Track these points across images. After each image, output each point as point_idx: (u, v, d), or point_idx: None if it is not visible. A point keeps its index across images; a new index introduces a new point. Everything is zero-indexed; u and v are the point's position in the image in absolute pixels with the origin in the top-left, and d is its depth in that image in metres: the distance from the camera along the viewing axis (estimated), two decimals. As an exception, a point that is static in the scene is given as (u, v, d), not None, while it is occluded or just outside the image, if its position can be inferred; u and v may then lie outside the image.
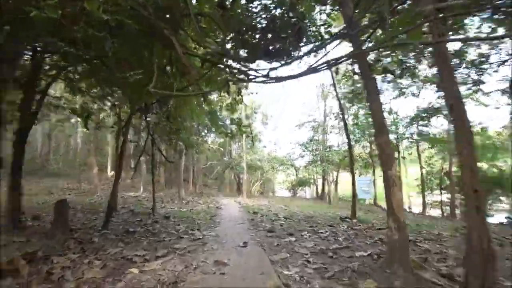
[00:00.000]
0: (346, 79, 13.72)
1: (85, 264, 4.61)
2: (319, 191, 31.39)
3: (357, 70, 7.15)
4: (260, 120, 41.56)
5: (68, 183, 26.21)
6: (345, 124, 10.48)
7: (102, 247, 5.67)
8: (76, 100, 13.35)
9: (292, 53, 5.44)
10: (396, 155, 21.10)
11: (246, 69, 4.64)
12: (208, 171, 35.89)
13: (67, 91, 11.43)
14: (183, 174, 33.63)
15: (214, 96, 11.37)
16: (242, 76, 5.11)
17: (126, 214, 10.79)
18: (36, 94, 7.74)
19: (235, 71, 4.80)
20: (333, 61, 4.12)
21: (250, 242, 6.02)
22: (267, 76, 4.40)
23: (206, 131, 26.86)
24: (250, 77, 4.75)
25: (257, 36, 5.62)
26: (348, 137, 10.60)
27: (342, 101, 27.33)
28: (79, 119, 10.13)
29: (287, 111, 68.62)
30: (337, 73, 4.83)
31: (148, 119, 10.54)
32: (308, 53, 4.95)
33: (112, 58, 4.29)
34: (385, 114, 20.67)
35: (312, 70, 4.36)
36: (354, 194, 10.69)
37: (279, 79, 4.49)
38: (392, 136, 20.56)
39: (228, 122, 9.39)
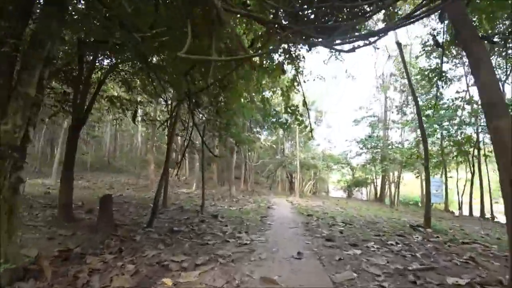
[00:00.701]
0: (427, 54, 11.64)
1: (117, 268, 4.08)
2: (378, 192, 28.84)
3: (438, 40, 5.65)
4: (314, 117, 39.94)
5: (129, 179, 27.76)
6: (419, 114, 8.74)
7: (141, 248, 5.18)
8: (134, 97, 13.67)
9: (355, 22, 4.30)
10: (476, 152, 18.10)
11: (306, 30, 3.63)
12: (259, 169, 35.44)
13: (124, 90, 11.66)
14: (235, 172, 33.76)
15: (269, 92, 10.63)
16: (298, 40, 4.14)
17: (175, 211, 10.53)
18: (88, 89, 7.71)
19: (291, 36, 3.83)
20: (419, 13, 2.93)
21: (305, 253, 5.00)
22: (331, 40, 3.36)
23: (258, 128, 26.40)
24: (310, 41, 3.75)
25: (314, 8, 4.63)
26: (422, 129, 8.83)
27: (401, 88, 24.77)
28: (121, 111, 10.06)
29: (342, 107, 65.48)
30: (443, 19, 3.47)
31: (195, 110, 10.14)
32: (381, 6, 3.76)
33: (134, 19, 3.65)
34: (461, 104, 18.00)
35: (390, 28, 3.24)
36: (429, 198, 8.99)
37: (344, 40, 3.42)
38: (470, 130, 17.69)
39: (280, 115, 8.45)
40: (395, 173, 25.52)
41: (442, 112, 18.99)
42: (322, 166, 31.52)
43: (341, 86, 53.84)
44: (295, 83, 6.09)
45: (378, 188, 29.18)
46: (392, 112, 26.46)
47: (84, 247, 5.07)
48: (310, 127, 6.39)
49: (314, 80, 14.05)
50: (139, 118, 12.89)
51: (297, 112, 6.06)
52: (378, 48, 15.37)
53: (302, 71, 6.74)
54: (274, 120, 6.79)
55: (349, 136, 39.99)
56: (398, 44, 9.29)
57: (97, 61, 8.12)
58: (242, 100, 10.22)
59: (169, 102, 12.29)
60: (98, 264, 4.22)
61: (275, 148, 32.45)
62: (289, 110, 6.09)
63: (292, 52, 5.15)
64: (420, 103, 20.52)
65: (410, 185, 29.87)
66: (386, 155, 22.24)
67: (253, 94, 10.75)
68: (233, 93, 8.92)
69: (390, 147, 23.67)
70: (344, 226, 8.23)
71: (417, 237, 6.96)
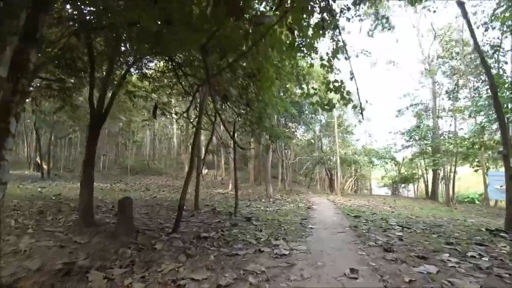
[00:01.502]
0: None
1: (123, 289, 3.27)
2: (428, 189, 26.01)
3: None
4: (351, 109, 37.64)
5: (167, 181, 28.04)
6: (493, 87, 6.98)
7: (158, 259, 4.35)
8: (162, 97, 13.18)
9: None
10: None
11: None
12: (297, 167, 34.10)
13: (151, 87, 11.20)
14: (272, 171, 32.69)
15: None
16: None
17: (207, 213, 9.77)
18: (107, 86, 7.09)
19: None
20: None
21: (360, 269, 3.81)
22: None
23: (294, 123, 25.15)
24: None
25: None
26: (499, 109, 6.99)
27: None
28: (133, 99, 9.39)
29: (384, 97, 61.26)
30: None
31: (225, 104, 9.35)
32: None
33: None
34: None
35: None
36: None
37: None
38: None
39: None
40: (447, 167, 22.82)
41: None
42: (364, 161, 29.45)
43: (382, 73, 49.67)
44: (338, 51, 4.90)
45: (429, 184, 26.39)
46: (442, 99, 23.70)
47: (94, 258, 4.37)
48: (360, 106, 5.15)
49: (357, 56, 12.68)
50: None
51: (342, 89, 4.86)
52: (434, 11, 13.34)
53: (345, 45, 5.53)
54: (314, 101, 5.56)
55: (392, 128, 36.85)
56: (460, 4, 7.56)
57: (119, 56, 7.58)
58: (274, 89, 9.24)
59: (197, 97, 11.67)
60: (101, 282, 3.45)
61: (313, 144, 30.93)
62: (331, 86, 4.92)
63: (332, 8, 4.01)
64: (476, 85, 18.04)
65: (464, 180, 26.71)
66: (439, 146, 19.80)
67: (287, 83, 9.69)
68: (264, 81, 7.96)
69: (442, 137, 21.11)
70: (402, 231, 6.82)
71: (504, 246, 5.42)
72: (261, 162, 24.60)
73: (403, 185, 33.00)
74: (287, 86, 9.43)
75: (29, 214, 7.42)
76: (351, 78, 4.54)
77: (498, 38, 15.14)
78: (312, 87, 5.75)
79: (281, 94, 9.51)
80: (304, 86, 6.80)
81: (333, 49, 4.84)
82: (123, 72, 7.94)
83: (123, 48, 6.47)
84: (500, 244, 5.59)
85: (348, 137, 33.82)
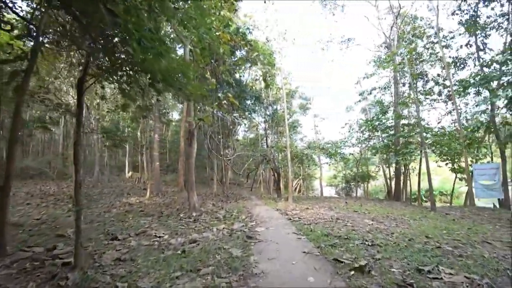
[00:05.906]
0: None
1: None
2: (390, 188, 22.62)
3: None
4: (298, 106, 33.94)
5: (65, 187, 20.72)
6: None
7: None
8: None
9: None
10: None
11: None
12: (236, 167, 28.91)
13: None
14: (208, 172, 26.81)
15: None
16: None
17: (9, 270, 3.90)
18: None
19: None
20: None
21: None
22: None
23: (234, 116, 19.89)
24: None
25: None
26: None
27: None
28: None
29: (333, 92, 58.52)
30: None
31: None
32: None
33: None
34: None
35: None
36: None
37: None
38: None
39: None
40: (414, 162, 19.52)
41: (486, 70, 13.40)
42: (314, 159, 25.50)
43: (331, 64, 45.53)
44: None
45: (390, 183, 23.06)
46: (404, 86, 20.58)
47: None
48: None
49: None
50: None
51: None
52: None
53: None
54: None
55: (345, 122, 33.35)
56: None
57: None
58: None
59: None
60: None
61: (256, 143, 26.00)
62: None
63: None
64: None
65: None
66: (407, 138, 16.15)
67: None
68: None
69: (407, 127, 17.61)
70: None
71: None
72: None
73: (357, 185, 29.92)
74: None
75: None
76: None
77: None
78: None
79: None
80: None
81: None
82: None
83: None
84: None
85: (293, 135, 30.03)
